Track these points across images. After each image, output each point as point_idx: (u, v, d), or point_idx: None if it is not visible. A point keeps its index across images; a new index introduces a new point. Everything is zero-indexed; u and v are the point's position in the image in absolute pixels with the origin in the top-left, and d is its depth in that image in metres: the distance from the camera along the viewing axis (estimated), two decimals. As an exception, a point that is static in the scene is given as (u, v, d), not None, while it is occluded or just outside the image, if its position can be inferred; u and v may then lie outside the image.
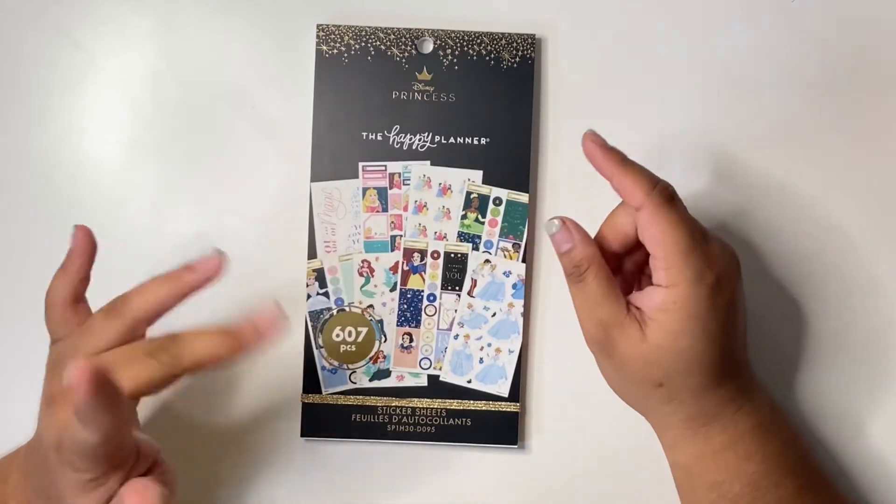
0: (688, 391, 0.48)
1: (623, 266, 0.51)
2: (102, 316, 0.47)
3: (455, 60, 0.55)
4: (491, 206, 0.55)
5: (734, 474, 0.48)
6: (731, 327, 0.48)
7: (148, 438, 0.47)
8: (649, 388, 0.48)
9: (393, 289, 0.55)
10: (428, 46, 0.55)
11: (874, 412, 0.55)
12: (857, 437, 0.55)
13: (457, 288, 0.55)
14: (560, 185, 0.55)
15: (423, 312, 0.55)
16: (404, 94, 0.55)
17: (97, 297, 0.56)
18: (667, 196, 0.47)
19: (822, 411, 0.55)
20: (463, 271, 0.55)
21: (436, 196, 0.55)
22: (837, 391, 0.55)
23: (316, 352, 0.55)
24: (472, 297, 0.55)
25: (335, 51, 0.55)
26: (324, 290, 0.55)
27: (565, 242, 0.49)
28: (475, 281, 0.55)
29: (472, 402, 0.55)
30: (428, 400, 0.55)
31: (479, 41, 0.55)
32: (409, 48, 0.55)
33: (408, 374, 0.55)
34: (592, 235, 0.50)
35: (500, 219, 0.55)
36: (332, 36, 0.55)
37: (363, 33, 0.55)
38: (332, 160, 0.55)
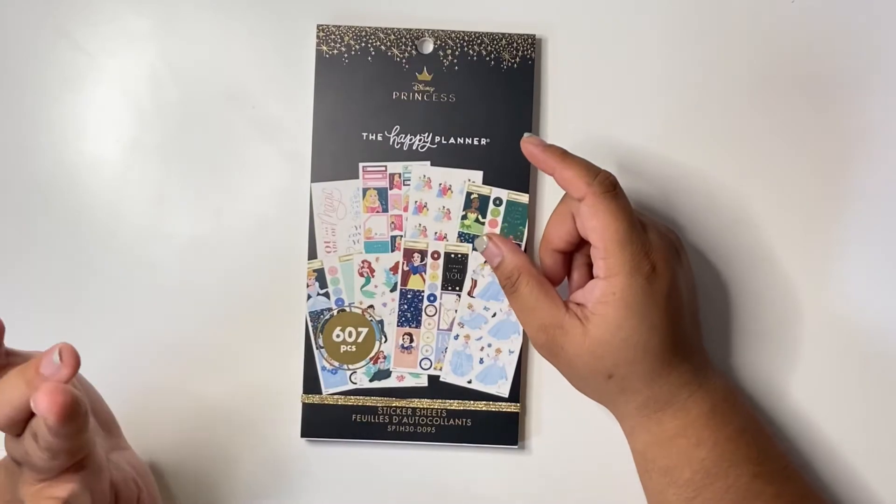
0: (638, 379, 0.49)
1: (574, 264, 0.53)
2: None
3: (455, 61, 0.55)
4: (491, 206, 0.55)
5: (685, 460, 0.49)
6: (675, 314, 0.49)
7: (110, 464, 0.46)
8: (600, 380, 0.49)
9: (393, 289, 0.55)
10: (428, 47, 0.55)
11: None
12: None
13: (457, 288, 0.55)
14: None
15: (423, 313, 0.55)
16: (404, 95, 0.55)
17: (97, 298, 0.56)
18: (608, 185, 0.48)
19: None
20: (463, 272, 0.55)
21: (436, 196, 0.55)
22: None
23: (316, 352, 0.55)
24: (472, 297, 0.55)
25: (335, 51, 0.55)
26: (324, 291, 0.55)
27: (495, 256, 0.51)
28: (475, 281, 0.55)
29: (472, 402, 0.55)
30: (428, 400, 0.55)
31: (479, 41, 0.55)
32: (409, 48, 0.55)
33: (408, 375, 0.55)
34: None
35: (500, 219, 0.55)
36: (333, 36, 0.55)
37: (363, 34, 0.55)
38: (332, 160, 0.55)
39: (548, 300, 0.50)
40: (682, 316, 0.49)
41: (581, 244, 0.52)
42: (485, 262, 0.55)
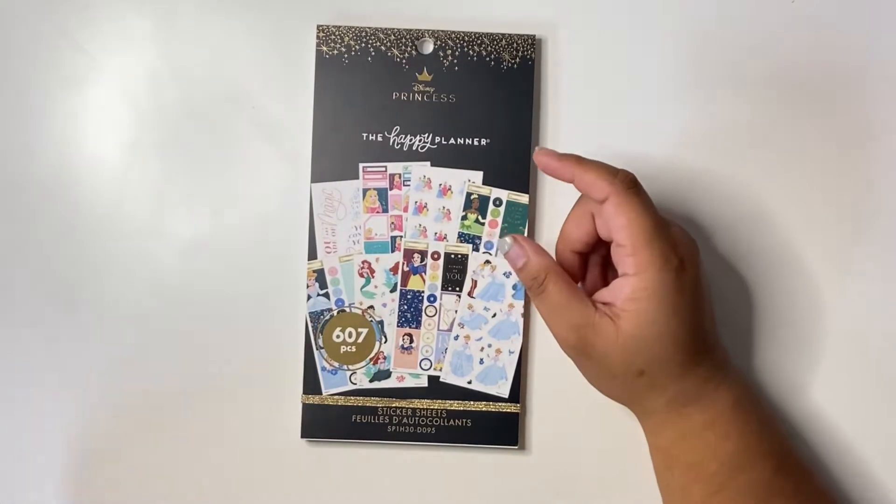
0: (668, 375, 0.49)
1: (588, 265, 0.53)
2: None
3: (455, 61, 0.55)
4: (491, 206, 0.55)
5: (712, 454, 0.49)
6: (700, 307, 0.49)
7: None
8: (631, 378, 0.49)
9: (393, 289, 0.55)
10: (428, 47, 0.55)
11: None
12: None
13: (457, 289, 0.55)
14: (560, 185, 0.55)
15: (423, 313, 0.55)
16: (404, 95, 0.55)
17: (97, 298, 0.56)
18: (629, 183, 0.48)
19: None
20: (463, 272, 0.55)
21: (436, 197, 0.55)
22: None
23: (316, 352, 0.55)
24: (472, 297, 0.55)
25: (335, 51, 0.55)
26: (324, 291, 0.55)
27: (520, 258, 0.50)
28: (475, 282, 0.55)
29: (472, 402, 0.55)
30: (428, 401, 0.55)
31: (479, 42, 0.55)
32: (409, 49, 0.55)
33: (408, 375, 0.55)
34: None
35: (500, 219, 0.55)
36: (333, 37, 0.55)
37: (363, 34, 0.55)
38: (332, 161, 0.55)
39: (577, 299, 0.49)
40: (706, 311, 0.50)
41: (597, 246, 0.52)
42: (486, 262, 0.55)
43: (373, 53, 0.55)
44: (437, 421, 0.55)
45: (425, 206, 0.55)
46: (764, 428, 0.50)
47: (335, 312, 0.55)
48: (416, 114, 0.55)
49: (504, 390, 0.55)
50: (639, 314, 0.47)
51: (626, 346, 0.48)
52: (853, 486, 0.55)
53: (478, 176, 0.55)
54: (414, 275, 0.55)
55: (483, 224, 0.55)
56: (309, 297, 0.55)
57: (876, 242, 0.56)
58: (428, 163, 0.55)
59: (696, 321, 0.48)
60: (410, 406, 0.55)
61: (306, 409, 0.55)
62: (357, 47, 0.55)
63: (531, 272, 0.50)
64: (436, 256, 0.55)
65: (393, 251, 0.55)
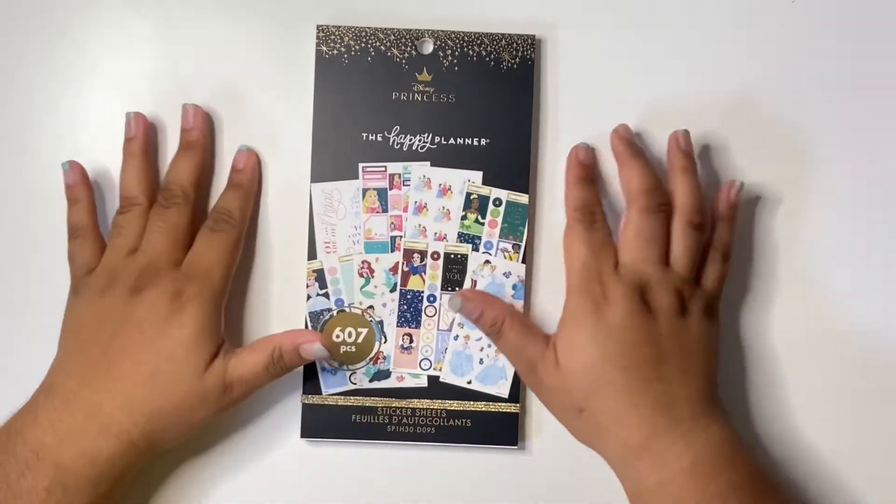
0: (607, 416, 0.49)
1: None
2: (161, 213, 0.52)
3: (455, 61, 0.55)
4: (491, 206, 0.55)
5: None
6: (647, 359, 0.49)
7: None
8: (574, 416, 0.50)
9: (393, 289, 0.55)
10: (428, 47, 0.55)
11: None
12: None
13: (457, 289, 0.55)
14: (560, 185, 0.55)
15: (423, 313, 0.55)
16: (404, 95, 0.55)
17: (97, 297, 0.56)
18: (579, 215, 0.52)
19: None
20: (463, 272, 0.55)
21: (436, 197, 0.55)
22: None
23: (316, 352, 0.55)
24: (472, 297, 0.55)
25: (335, 51, 0.55)
26: (324, 291, 0.55)
27: (474, 311, 0.53)
28: (475, 282, 0.55)
29: (472, 402, 0.55)
30: (428, 401, 0.55)
31: (479, 42, 0.55)
32: (409, 49, 0.55)
33: (408, 375, 0.55)
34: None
35: (499, 220, 0.55)
36: (333, 36, 0.55)
37: (363, 34, 0.55)
38: (332, 161, 0.55)
39: (531, 338, 0.52)
40: (660, 363, 0.49)
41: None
42: (485, 262, 0.55)
43: (373, 53, 0.55)
44: (436, 421, 0.55)
45: (425, 206, 0.55)
46: (734, 490, 0.47)
47: (335, 312, 0.55)
48: (416, 114, 0.55)
49: (504, 390, 0.55)
50: (566, 342, 0.50)
51: (564, 381, 0.50)
52: None
53: (477, 176, 0.55)
54: (414, 275, 0.55)
55: (483, 224, 0.55)
56: (309, 297, 0.55)
57: (876, 256, 0.56)
58: (428, 163, 0.55)
59: (631, 366, 0.48)
60: (410, 406, 0.55)
61: (306, 409, 0.55)
62: (357, 47, 0.55)
63: (487, 321, 0.52)
64: (435, 256, 0.55)
65: (393, 251, 0.55)
